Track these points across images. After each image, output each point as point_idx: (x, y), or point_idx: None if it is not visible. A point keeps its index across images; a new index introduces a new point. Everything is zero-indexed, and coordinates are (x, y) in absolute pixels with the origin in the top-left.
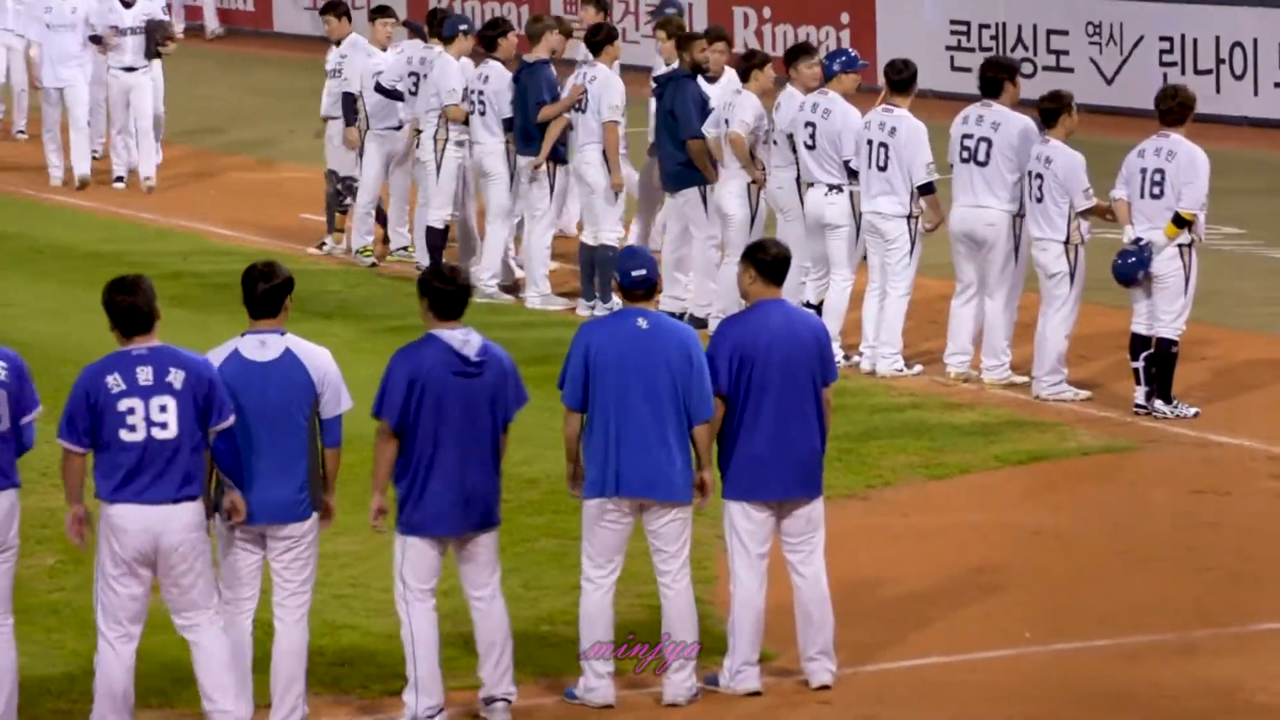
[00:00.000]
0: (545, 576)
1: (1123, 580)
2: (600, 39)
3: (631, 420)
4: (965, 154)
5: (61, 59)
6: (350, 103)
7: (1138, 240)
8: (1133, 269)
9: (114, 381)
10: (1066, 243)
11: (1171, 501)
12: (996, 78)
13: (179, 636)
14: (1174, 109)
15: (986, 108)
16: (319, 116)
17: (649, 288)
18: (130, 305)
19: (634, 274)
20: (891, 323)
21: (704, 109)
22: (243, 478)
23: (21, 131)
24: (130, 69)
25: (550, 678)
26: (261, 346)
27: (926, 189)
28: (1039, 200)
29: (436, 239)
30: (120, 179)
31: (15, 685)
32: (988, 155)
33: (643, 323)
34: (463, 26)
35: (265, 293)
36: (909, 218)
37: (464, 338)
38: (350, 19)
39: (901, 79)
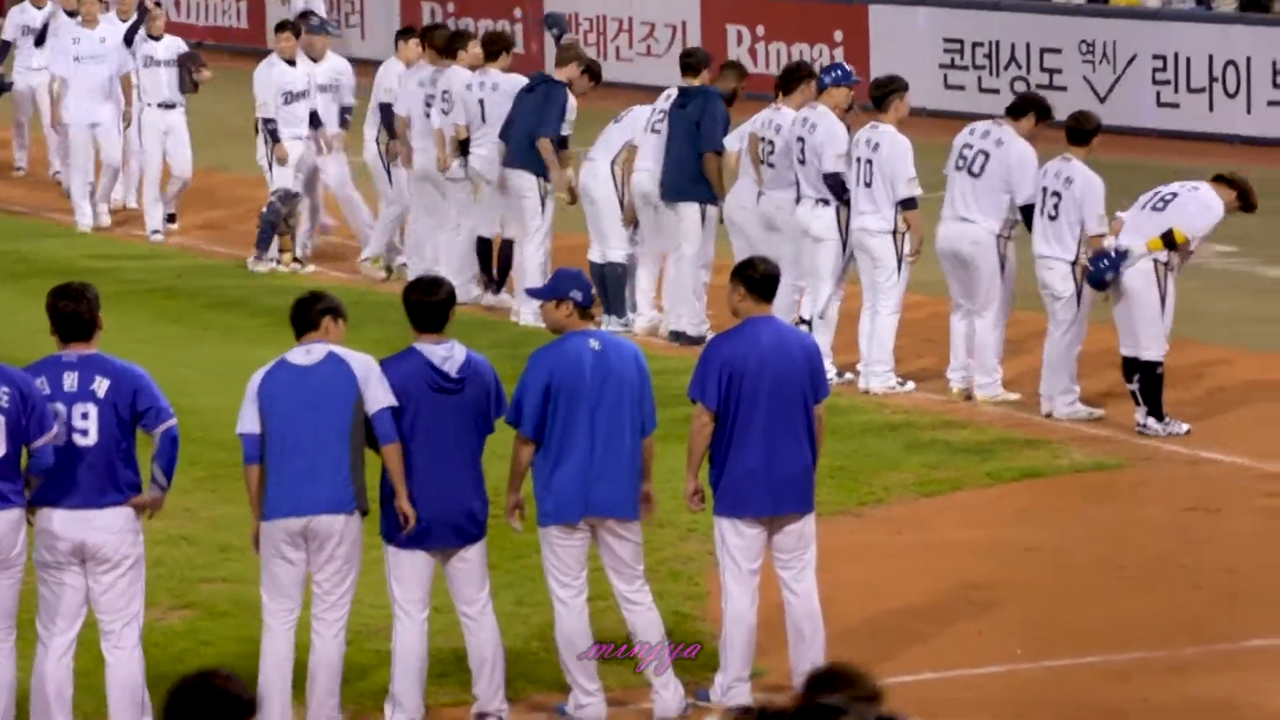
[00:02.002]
0: (538, 593)
1: (1115, 597)
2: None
3: (602, 443)
4: (960, 162)
5: (91, 94)
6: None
7: (1117, 248)
8: (1102, 272)
9: (41, 384)
10: (1074, 264)
11: (1163, 519)
12: (1023, 104)
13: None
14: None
15: (998, 125)
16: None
17: (591, 307)
18: (72, 312)
19: (592, 291)
20: (882, 339)
21: (726, 127)
22: (274, 475)
23: (20, 169)
24: (169, 105)
25: (542, 694)
26: (306, 354)
27: (908, 204)
28: (1053, 219)
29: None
30: (158, 231)
31: (11, 701)
32: (983, 169)
33: (595, 344)
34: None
35: (305, 312)
36: (894, 234)
37: (446, 353)
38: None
39: (879, 95)
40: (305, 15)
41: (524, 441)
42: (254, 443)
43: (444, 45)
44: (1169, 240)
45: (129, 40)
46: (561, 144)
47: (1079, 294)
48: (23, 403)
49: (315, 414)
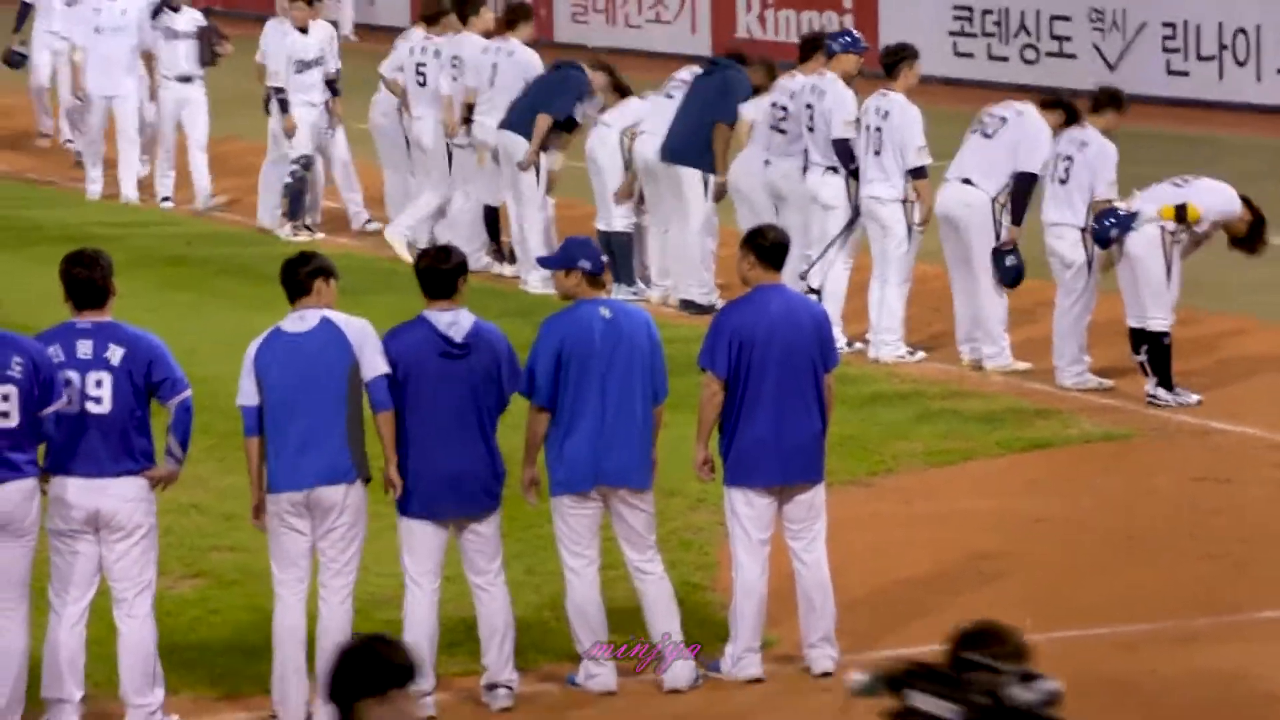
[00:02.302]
0: (549, 562)
1: (1124, 568)
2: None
3: (615, 411)
4: (975, 126)
5: (110, 65)
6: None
7: (1127, 209)
8: (1106, 230)
9: (54, 352)
10: (1084, 231)
11: (1173, 489)
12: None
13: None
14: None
15: (1022, 101)
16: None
17: (602, 275)
18: (86, 279)
19: (603, 259)
20: (892, 308)
21: (744, 100)
22: (274, 446)
23: (47, 135)
24: (186, 78)
25: (553, 664)
26: (300, 320)
27: (918, 173)
28: (1063, 182)
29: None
30: (168, 199)
31: (24, 668)
32: (995, 132)
33: (606, 312)
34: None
35: (299, 277)
36: (903, 202)
37: (452, 319)
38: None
39: (890, 62)
40: None
41: (538, 410)
42: (253, 414)
43: (456, 10)
44: (1181, 213)
45: (155, 13)
46: (567, 126)
47: (1089, 262)
48: (35, 372)
49: (310, 383)
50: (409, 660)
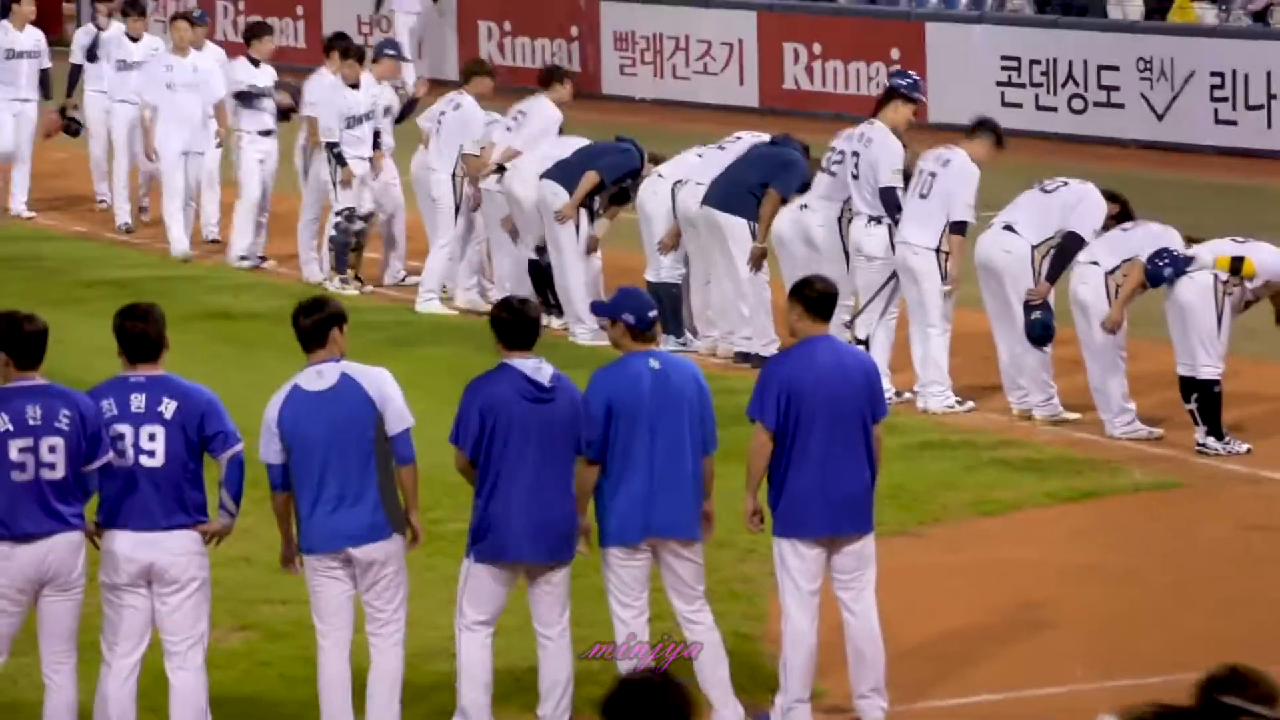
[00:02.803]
0: (596, 612)
1: (1175, 617)
2: None
3: (665, 463)
4: (1036, 183)
5: (183, 123)
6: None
7: (1184, 252)
8: (1159, 269)
9: (108, 406)
10: (938, 251)
11: (1225, 538)
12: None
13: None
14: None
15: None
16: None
17: (653, 327)
18: (140, 333)
19: (650, 315)
20: (935, 358)
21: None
22: (306, 508)
23: (104, 200)
24: (268, 132)
25: (600, 659)
26: (318, 376)
27: (959, 228)
28: (924, 198)
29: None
30: (245, 257)
31: None
32: (1054, 190)
33: (655, 364)
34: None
35: (307, 327)
36: (938, 251)
37: (536, 365)
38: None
39: (974, 125)
40: (387, 42)
41: (589, 463)
42: (279, 471)
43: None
44: (1237, 265)
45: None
46: (620, 198)
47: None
48: (83, 426)
49: (337, 443)
50: (681, 700)
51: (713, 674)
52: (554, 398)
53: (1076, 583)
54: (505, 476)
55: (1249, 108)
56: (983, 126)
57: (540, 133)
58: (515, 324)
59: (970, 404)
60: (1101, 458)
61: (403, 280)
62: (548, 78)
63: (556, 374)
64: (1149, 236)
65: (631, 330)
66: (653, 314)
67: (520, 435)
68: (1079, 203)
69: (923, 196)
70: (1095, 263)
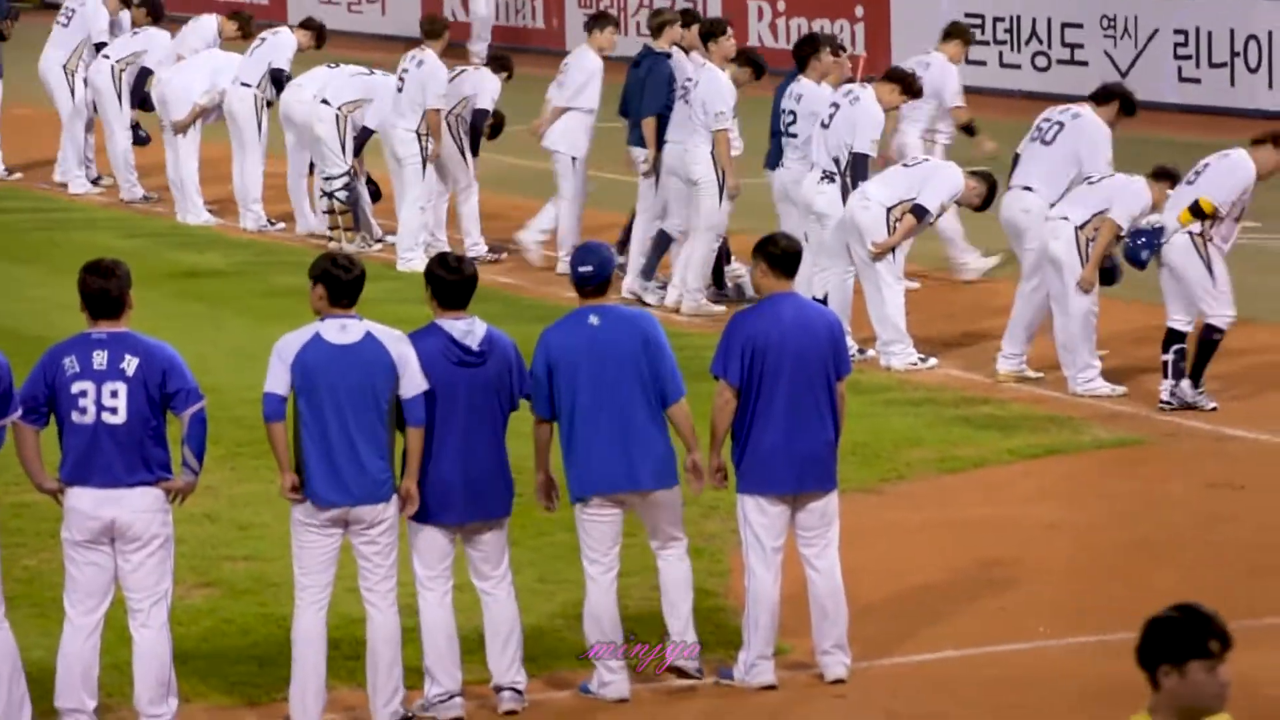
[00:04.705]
0: (561, 570)
1: (1138, 574)
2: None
3: (601, 418)
4: (1035, 133)
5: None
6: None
7: (1152, 225)
8: (1138, 250)
9: (70, 363)
10: (1079, 229)
11: (1187, 495)
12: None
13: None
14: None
15: (1078, 105)
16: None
17: (598, 284)
18: (100, 290)
19: (580, 271)
20: (891, 316)
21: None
22: (315, 459)
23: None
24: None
25: (566, 671)
26: (342, 330)
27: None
28: (825, 127)
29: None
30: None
31: (17, 671)
32: (1054, 138)
33: (594, 320)
34: None
35: (351, 282)
36: (888, 209)
37: (467, 327)
38: None
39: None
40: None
41: (538, 420)
42: (279, 403)
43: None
44: (1196, 210)
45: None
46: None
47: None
48: None
49: (357, 399)
50: (1212, 630)
51: (676, 606)
52: (483, 361)
53: (1039, 540)
54: (434, 438)
55: (1212, 65)
56: (898, 76)
57: (584, 84)
58: (450, 284)
59: (934, 361)
60: (1064, 415)
61: (380, 239)
62: (589, 24)
63: (490, 335)
64: (1115, 188)
65: (576, 286)
66: (583, 270)
67: (446, 398)
68: (1081, 143)
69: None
70: (1065, 217)
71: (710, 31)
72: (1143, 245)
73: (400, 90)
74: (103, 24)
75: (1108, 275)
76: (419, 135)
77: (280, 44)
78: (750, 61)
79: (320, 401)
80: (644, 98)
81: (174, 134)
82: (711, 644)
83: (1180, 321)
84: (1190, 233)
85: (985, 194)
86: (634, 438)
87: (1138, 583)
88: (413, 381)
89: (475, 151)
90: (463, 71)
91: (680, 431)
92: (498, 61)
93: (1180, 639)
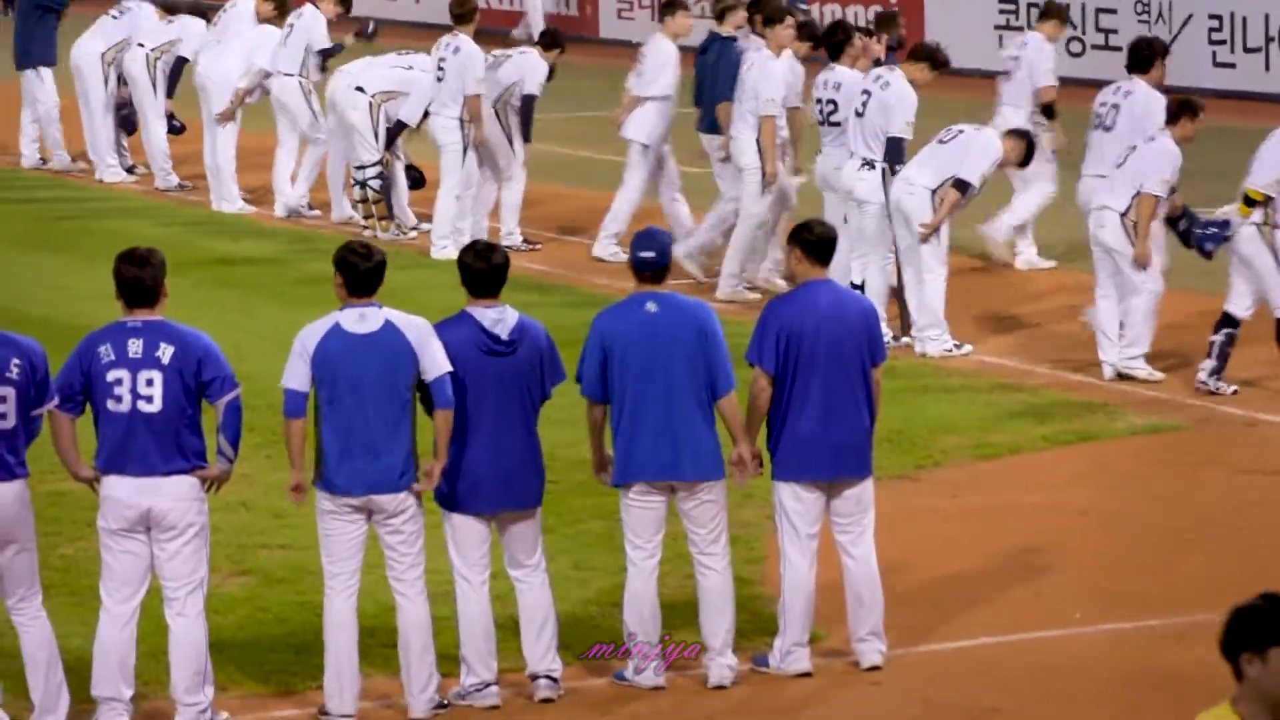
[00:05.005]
0: (595, 558)
1: (1172, 560)
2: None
3: (650, 405)
4: (1095, 121)
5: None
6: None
7: (1221, 218)
8: (1203, 241)
9: (105, 351)
10: (1123, 216)
11: (1220, 481)
12: (1147, 55)
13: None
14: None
15: (1127, 81)
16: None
17: (657, 270)
18: (135, 278)
19: (640, 255)
20: (930, 303)
21: None
22: (333, 448)
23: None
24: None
25: (600, 658)
26: (361, 319)
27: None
28: (860, 115)
29: None
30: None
31: (54, 660)
32: (1114, 123)
33: (652, 306)
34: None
35: (368, 271)
36: (933, 193)
37: (497, 316)
38: None
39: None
40: None
41: (590, 403)
42: (300, 399)
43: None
44: (1249, 200)
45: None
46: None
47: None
48: (32, 373)
49: (377, 389)
50: None
51: (714, 623)
52: (513, 350)
53: (1073, 526)
54: (464, 427)
55: (1247, 50)
56: (926, 54)
57: (659, 71)
58: (480, 271)
59: (969, 348)
60: (1098, 401)
61: (415, 227)
62: (664, 8)
63: (522, 324)
64: (1143, 161)
65: (635, 270)
66: (644, 255)
67: (476, 386)
68: (1133, 120)
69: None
70: (1106, 206)
71: (771, 18)
72: (1209, 237)
73: (441, 80)
74: (149, 29)
75: (1201, 242)
76: (461, 122)
77: (309, 25)
78: (812, 36)
79: (340, 391)
80: (716, 83)
81: (217, 123)
82: (747, 631)
83: (1239, 308)
84: (1255, 224)
85: (1024, 151)
86: (680, 427)
87: (1171, 569)
88: (435, 364)
89: (527, 138)
90: (507, 57)
91: (728, 424)
92: (549, 37)
93: (1262, 626)
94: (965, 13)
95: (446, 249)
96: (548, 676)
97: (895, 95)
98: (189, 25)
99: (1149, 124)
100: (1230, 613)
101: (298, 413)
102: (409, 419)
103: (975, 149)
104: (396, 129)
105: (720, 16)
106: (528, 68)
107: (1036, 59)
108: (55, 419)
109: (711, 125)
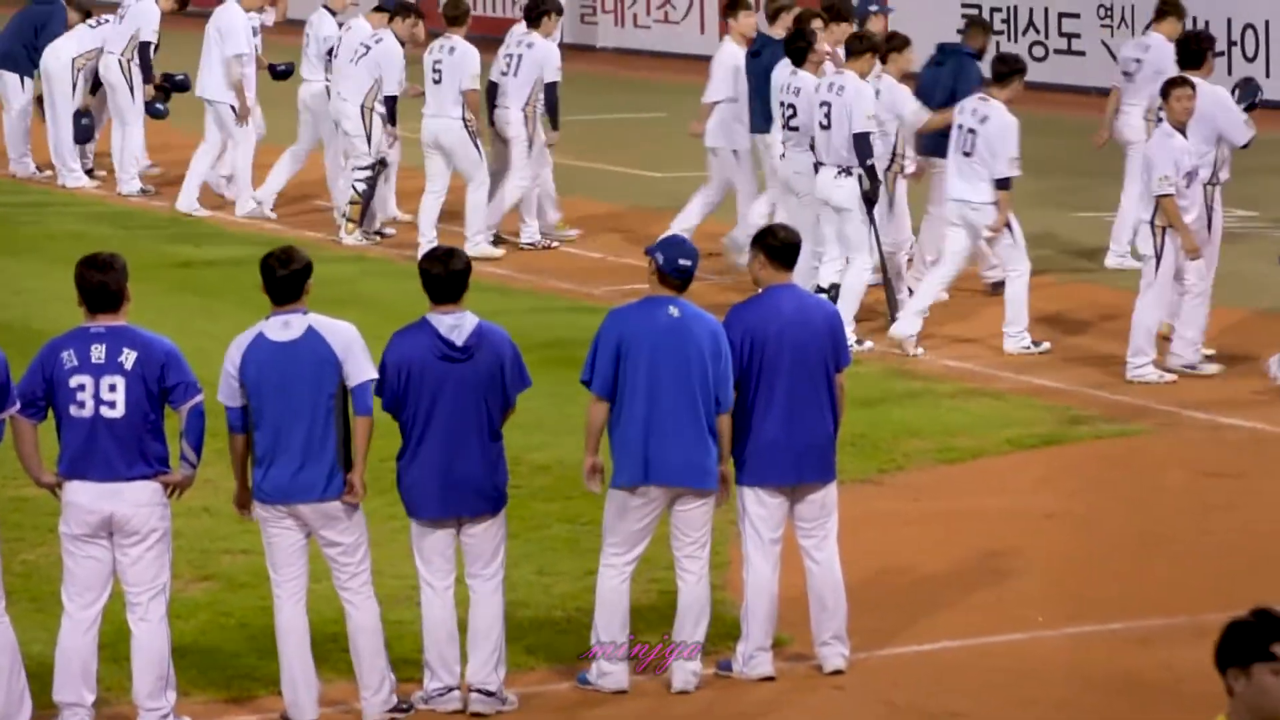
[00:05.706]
0: (559, 563)
1: (1136, 564)
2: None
3: (667, 408)
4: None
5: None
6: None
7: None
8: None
9: (68, 357)
10: (1151, 223)
11: (1185, 484)
12: (1200, 49)
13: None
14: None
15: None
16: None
17: (687, 279)
18: (99, 283)
19: (680, 263)
20: (1015, 301)
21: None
22: (260, 457)
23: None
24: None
25: (563, 663)
26: (285, 327)
27: (1004, 183)
28: (967, 155)
29: None
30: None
31: (17, 665)
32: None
33: (674, 311)
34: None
35: (284, 279)
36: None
37: (454, 322)
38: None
39: (1006, 72)
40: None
41: (595, 400)
42: (238, 414)
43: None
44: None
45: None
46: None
47: (1159, 257)
48: None
49: (301, 397)
50: (1278, 633)
51: (689, 630)
52: (470, 356)
53: (1037, 530)
54: (419, 434)
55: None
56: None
57: (723, 77)
58: (438, 277)
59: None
60: (1062, 404)
61: (380, 234)
62: (727, 9)
63: (481, 330)
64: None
65: (659, 273)
66: (684, 263)
67: (430, 393)
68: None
69: (966, 154)
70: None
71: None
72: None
73: (438, 83)
74: (123, 40)
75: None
76: (465, 122)
77: (143, 12)
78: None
79: (265, 400)
80: (767, 85)
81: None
82: (711, 636)
83: None
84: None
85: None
86: (681, 433)
87: (1136, 573)
88: (359, 370)
89: (555, 125)
90: (520, 57)
91: (722, 439)
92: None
93: (1246, 642)
94: (926, 15)
95: (480, 245)
96: (482, 690)
97: (853, 97)
98: (144, 11)
99: (1225, 125)
100: (1223, 628)
101: (237, 428)
102: (334, 428)
103: (997, 142)
104: (389, 105)
105: (772, 17)
106: (544, 57)
107: (1160, 59)
108: (17, 424)
109: (762, 125)
